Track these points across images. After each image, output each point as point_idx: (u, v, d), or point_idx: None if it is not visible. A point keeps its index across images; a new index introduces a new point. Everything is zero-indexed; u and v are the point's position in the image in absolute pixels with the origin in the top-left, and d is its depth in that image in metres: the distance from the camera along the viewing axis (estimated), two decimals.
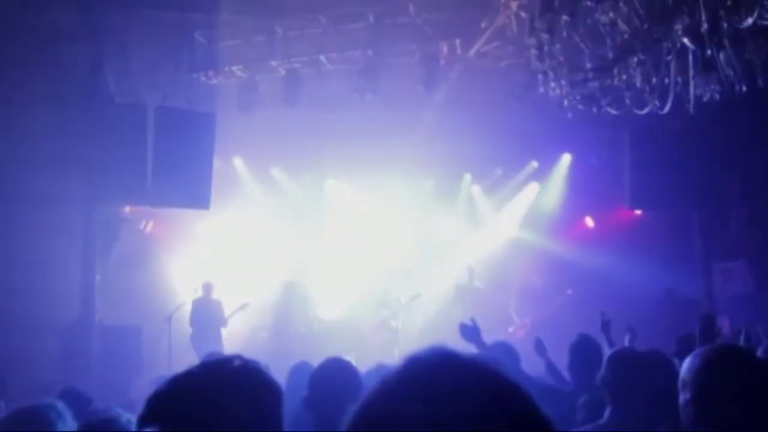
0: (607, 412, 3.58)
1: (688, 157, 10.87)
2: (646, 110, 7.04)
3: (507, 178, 14.05)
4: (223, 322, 11.72)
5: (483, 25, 9.93)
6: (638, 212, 12.82)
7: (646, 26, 5.68)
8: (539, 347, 5.72)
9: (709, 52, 5.21)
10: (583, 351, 4.98)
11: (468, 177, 14.08)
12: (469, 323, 5.26)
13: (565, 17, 5.88)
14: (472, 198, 14.21)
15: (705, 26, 5.03)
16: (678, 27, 5.51)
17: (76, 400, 4.59)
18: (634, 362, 3.75)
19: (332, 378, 3.36)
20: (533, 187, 13.99)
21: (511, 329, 12.31)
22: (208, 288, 11.93)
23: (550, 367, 5.71)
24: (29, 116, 9.43)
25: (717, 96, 5.80)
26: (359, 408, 1.00)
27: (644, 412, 3.47)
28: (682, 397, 2.41)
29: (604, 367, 3.75)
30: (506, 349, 5.69)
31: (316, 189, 14.02)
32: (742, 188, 11.49)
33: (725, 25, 5.05)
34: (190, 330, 11.49)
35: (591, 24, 6.34)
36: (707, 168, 10.98)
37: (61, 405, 3.46)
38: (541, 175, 13.95)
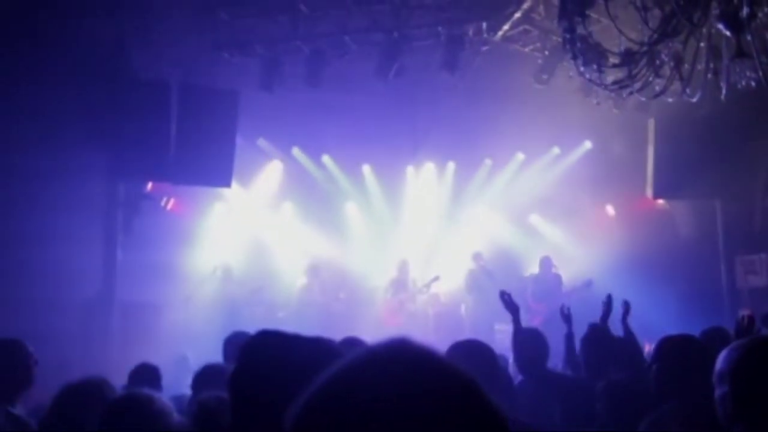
0: (668, 405, 3.45)
1: (714, 147, 10.73)
2: (675, 98, 6.93)
3: (527, 164, 13.92)
4: (243, 301, 11.76)
5: (510, 8, 9.80)
6: (660, 202, 12.70)
7: (681, 10, 5.56)
8: (565, 316, 5.77)
9: (749, 37, 5.07)
10: (595, 340, 4.99)
11: (489, 162, 13.95)
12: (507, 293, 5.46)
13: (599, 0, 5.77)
14: (492, 183, 14.07)
15: (746, 10, 4.90)
16: (715, 12, 5.40)
17: (148, 377, 4.62)
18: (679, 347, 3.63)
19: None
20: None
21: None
22: (227, 268, 11.97)
23: (569, 336, 5.67)
24: (52, 92, 9.40)
25: (753, 83, 5.70)
26: (307, 395, 0.95)
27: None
28: (719, 390, 2.33)
29: (653, 359, 3.63)
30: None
31: (334, 170, 13.94)
32: (767, 181, 11.34)
33: (766, 10, 4.94)
34: (207, 308, 11.52)
35: (624, 7, 6.24)
36: (732, 159, 10.83)
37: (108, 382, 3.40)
38: (561, 161, 13.83)
